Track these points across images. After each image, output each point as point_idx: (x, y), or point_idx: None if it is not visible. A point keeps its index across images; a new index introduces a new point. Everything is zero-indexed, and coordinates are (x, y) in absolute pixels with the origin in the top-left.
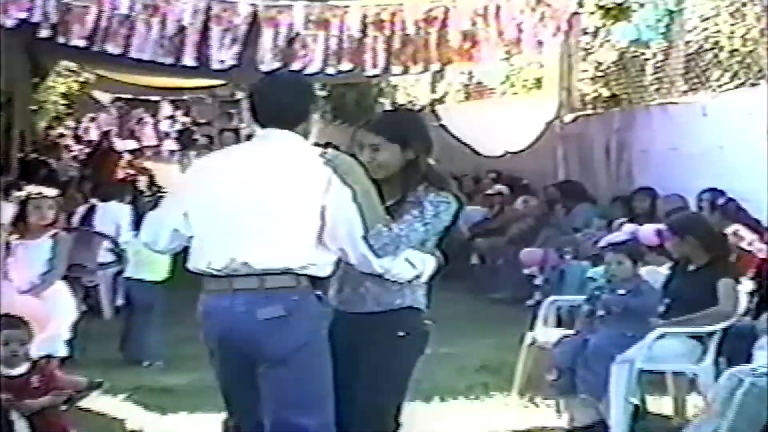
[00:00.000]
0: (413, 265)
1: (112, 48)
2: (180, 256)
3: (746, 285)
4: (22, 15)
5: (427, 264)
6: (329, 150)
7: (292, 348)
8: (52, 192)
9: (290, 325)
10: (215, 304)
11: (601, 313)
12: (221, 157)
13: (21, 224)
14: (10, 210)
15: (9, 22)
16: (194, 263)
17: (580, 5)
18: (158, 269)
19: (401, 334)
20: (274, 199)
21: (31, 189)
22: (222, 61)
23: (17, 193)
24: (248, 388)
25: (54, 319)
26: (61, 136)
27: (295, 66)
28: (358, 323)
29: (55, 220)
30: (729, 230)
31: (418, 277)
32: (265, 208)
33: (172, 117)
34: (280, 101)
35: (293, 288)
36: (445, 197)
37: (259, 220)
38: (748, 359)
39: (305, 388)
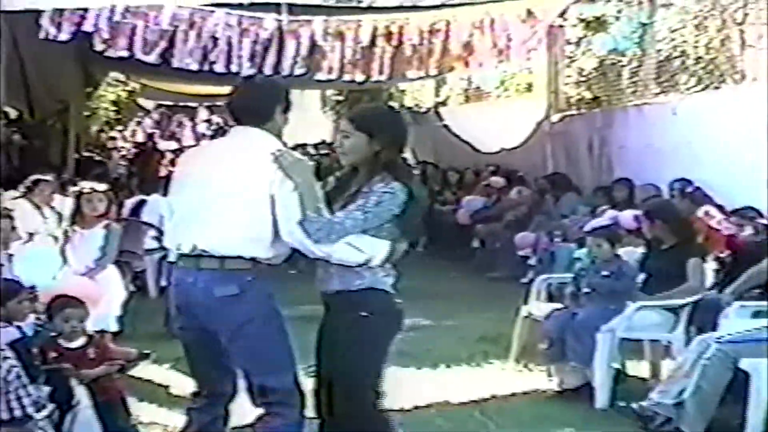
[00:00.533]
0: (360, 250)
1: (154, 59)
2: None
3: (712, 263)
4: (74, 29)
5: (377, 249)
6: (280, 148)
7: (244, 321)
8: (101, 187)
9: (242, 301)
10: (182, 279)
11: (586, 290)
12: (199, 149)
13: (77, 216)
14: (68, 203)
15: (63, 37)
16: (168, 242)
17: (564, 19)
18: None
19: (364, 314)
20: (233, 191)
21: (84, 185)
22: (250, 70)
23: (72, 189)
24: (210, 355)
25: (106, 298)
26: (111, 138)
27: (319, 76)
28: (329, 302)
29: (107, 211)
30: (700, 211)
31: (368, 261)
32: (225, 199)
33: (208, 120)
34: (250, 101)
35: (249, 270)
36: (391, 188)
37: (219, 209)
38: (714, 328)
39: (263, 354)
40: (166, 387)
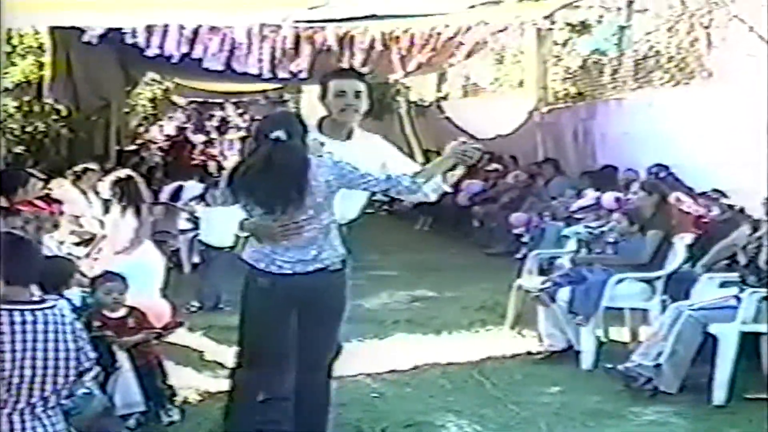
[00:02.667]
0: None
1: (188, 60)
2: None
3: (686, 239)
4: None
5: None
6: None
7: None
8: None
9: None
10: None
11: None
12: None
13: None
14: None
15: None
16: None
17: (552, 23)
18: (223, 239)
19: None
20: None
21: (120, 172)
22: (270, 71)
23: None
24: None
25: (142, 273)
26: (148, 131)
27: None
28: None
29: (138, 197)
30: (672, 197)
31: None
32: None
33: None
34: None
35: None
36: None
37: None
38: (687, 297)
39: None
40: (201, 352)
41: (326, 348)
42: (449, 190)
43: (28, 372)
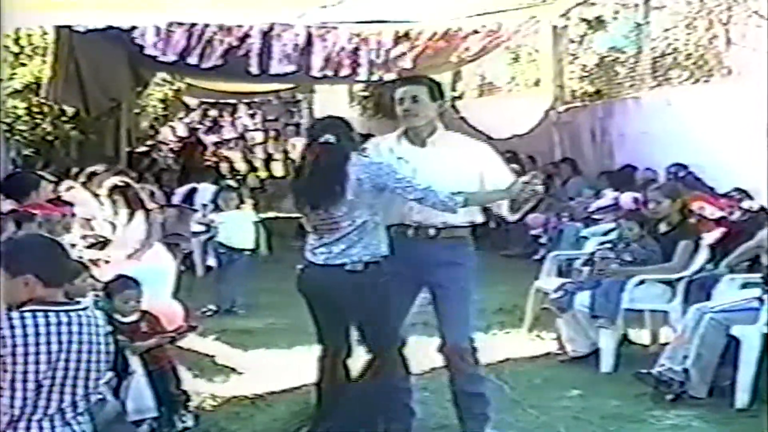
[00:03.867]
0: None
1: (196, 60)
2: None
3: (708, 239)
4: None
5: None
6: None
7: None
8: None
9: None
10: None
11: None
12: None
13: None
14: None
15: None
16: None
17: (567, 19)
18: (245, 240)
19: None
20: None
21: (115, 179)
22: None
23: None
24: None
25: (154, 277)
26: (159, 133)
27: (343, 73)
28: None
29: (141, 201)
30: (695, 205)
31: None
32: None
33: (251, 115)
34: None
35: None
36: None
37: None
38: (708, 298)
39: None
40: (212, 357)
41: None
42: (512, 218)
43: (60, 374)
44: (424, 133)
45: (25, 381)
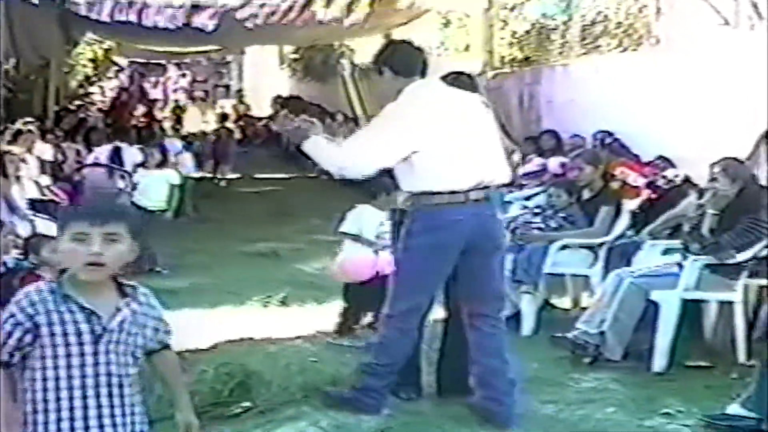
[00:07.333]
0: None
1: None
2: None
3: (630, 205)
4: None
5: None
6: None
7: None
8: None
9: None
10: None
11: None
12: (428, 98)
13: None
14: (47, 150)
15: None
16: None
17: None
18: (157, 201)
19: None
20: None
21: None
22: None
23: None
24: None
25: None
26: (88, 94)
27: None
28: None
29: None
30: (617, 171)
31: None
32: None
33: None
34: (411, 56)
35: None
36: None
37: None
38: (629, 264)
39: None
40: None
41: None
42: None
43: None
44: None
45: None
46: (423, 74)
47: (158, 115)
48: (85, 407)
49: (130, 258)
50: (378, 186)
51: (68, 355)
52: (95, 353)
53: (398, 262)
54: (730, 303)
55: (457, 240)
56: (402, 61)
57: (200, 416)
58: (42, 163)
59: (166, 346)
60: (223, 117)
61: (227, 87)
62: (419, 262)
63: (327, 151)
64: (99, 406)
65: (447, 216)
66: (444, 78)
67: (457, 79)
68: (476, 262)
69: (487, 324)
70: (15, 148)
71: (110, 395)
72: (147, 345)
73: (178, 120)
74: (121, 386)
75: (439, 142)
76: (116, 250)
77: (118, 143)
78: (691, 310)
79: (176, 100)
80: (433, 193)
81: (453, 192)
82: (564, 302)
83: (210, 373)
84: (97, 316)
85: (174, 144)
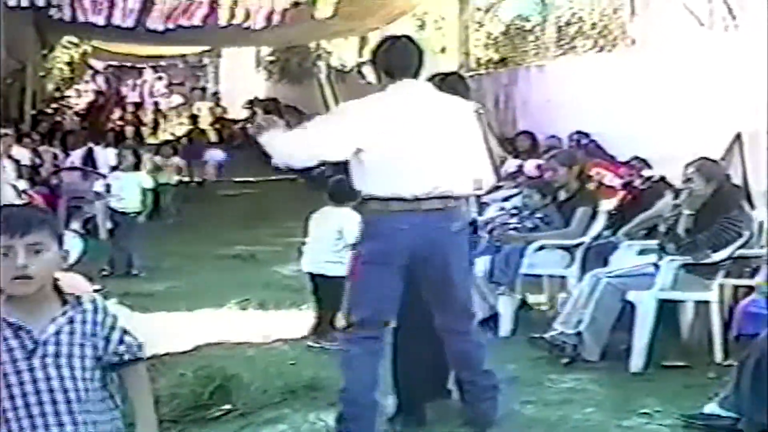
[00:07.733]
0: None
1: (97, 19)
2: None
3: (606, 205)
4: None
5: None
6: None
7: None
8: None
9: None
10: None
11: (516, 226)
12: (380, 102)
13: None
14: (24, 154)
15: (11, 2)
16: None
17: None
18: (131, 203)
19: None
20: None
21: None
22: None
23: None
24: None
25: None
26: (64, 98)
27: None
28: None
29: None
30: (593, 171)
31: None
32: (448, 145)
33: (159, 78)
34: (408, 57)
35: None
36: None
37: (446, 154)
38: (606, 264)
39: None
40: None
41: None
42: None
43: None
44: None
45: None
46: (416, 75)
47: (134, 117)
48: (33, 427)
49: (60, 267)
50: (344, 189)
51: (5, 374)
52: (31, 369)
53: (350, 268)
54: (707, 303)
55: (399, 250)
56: (400, 61)
57: (180, 419)
58: (19, 166)
59: (133, 361)
60: (194, 119)
61: (203, 89)
62: (365, 269)
63: (276, 140)
64: (46, 425)
65: (391, 223)
66: (431, 79)
67: (444, 81)
68: (432, 276)
69: (459, 339)
70: None
71: (56, 413)
72: (104, 357)
73: (156, 125)
74: (69, 402)
75: (386, 143)
76: (42, 260)
77: (91, 145)
78: (668, 310)
79: (156, 102)
80: (381, 199)
81: (401, 199)
82: (542, 303)
83: (189, 376)
84: (26, 330)
85: (217, 152)
